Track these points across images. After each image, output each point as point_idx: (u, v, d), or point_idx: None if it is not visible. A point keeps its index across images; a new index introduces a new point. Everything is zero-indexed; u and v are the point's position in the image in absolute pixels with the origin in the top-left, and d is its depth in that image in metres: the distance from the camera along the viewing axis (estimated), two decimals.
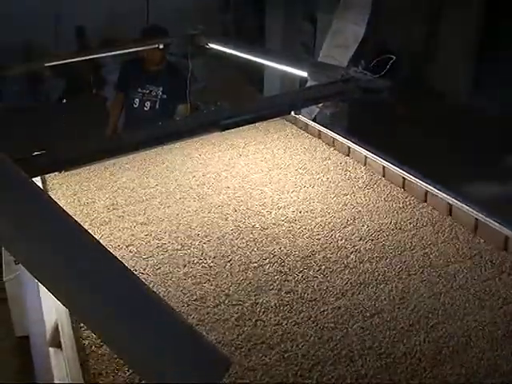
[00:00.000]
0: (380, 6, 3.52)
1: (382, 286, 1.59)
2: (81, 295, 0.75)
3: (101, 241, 0.81)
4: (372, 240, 1.81)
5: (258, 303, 1.54)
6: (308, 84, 2.33)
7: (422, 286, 1.59)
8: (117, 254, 1.74)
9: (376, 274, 1.65)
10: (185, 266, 1.71)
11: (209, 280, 1.64)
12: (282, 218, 1.95)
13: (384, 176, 2.20)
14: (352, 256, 1.73)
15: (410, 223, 1.90)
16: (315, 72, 1.87)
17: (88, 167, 2.31)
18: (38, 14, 4.94)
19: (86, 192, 2.16)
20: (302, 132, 2.69)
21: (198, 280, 1.64)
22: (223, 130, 1.61)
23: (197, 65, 3.17)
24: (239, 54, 2.30)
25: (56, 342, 1.45)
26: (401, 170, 2.15)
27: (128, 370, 1.32)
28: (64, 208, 0.85)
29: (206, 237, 1.86)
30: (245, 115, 1.58)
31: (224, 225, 1.92)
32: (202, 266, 1.70)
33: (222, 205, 2.05)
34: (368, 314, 1.49)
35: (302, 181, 2.21)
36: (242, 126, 1.68)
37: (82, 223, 0.83)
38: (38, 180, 2.06)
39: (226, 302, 1.55)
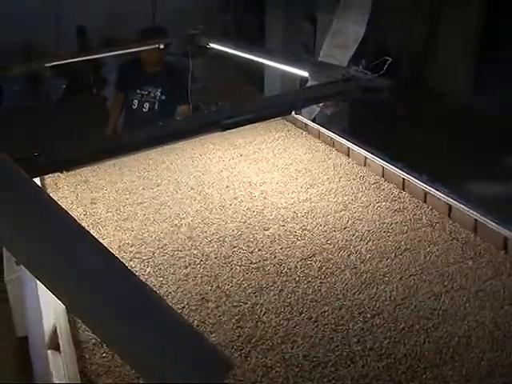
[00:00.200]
0: (380, 5, 3.53)
1: (382, 287, 1.59)
2: (81, 295, 0.75)
3: (101, 241, 0.81)
4: (372, 240, 1.81)
5: (258, 304, 1.54)
6: (308, 84, 2.33)
7: (423, 286, 1.59)
8: (117, 254, 1.73)
9: (376, 274, 1.65)
10: (185, 266, 1.71)
11: (209, 281, 1.64)
12: (283, 219, 1.95)
13: (384, 176, 2.20)
14: (352, 257, 1.73)
15: (410, 224, 1.90)
16: (316, 72, 1.87)
17: (88, 168, 2.31)
18: (37, 14, 4.94)
19: (86, 193, 2.16)
20: (302, 132, 2.68)
21: (199, 281, 1.64)
22: (224, 130, 1.61)
23: (197, 65, 3.16)
24: (240, 53, 2.29)
25: (54, 344, 1.44)
26: (400, 171, 2.15)
27: (128, 371, 1.32)
28: (64, 208, 0.84)
29: (207, 237, 1.85)
30: (245, 115, 1.58)
31: (224, 225, 1.92)
32: (203, 267, 1.70)
33: (223, 205, 2.05)
34: (369, 315, 1.49)
35: (302, 181, 2.21)
36: (242, 125, 1.68)
37: (82, 224, 0.82)
38: (37, 180, 2.06)
39: (227, 302, 1.55)
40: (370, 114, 3.90)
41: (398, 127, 4.44)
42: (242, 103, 2.60)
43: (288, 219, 1.94)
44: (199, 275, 1.67)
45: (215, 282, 1.64)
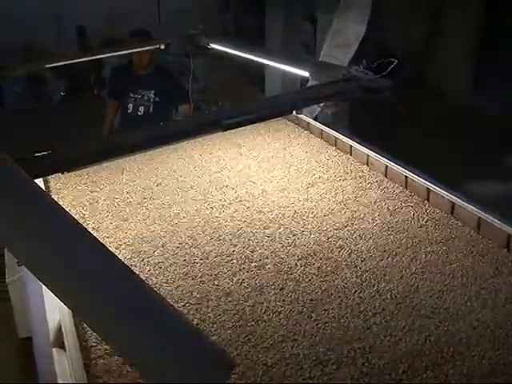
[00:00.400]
0: (380, 5, 3.53)
1: (383, 285, 1.59)
2: (82, 294, 0.76)
3: (101, 241, 0.82)
4: (373, 239, 1.81)
5: (258, 303, 1.54)
6: (309, 84, 2.33)
7: (424, 284, 1.59)
8: (117, 253, 1.74)
9: (377, 273, 1.65)
10: (185, 265, 1.71)
11: (209, 279, 1.64)
12: (284, 217, 1.95)
13: (386, 175, 2.20)
14: (353, 255, 1.73)
15: (412, 222, 1.90)
16: (316, 72, 1.87)
17: (88, 168, 2.31)
18: (38, 14, 4.95)
19: (86, 193, 2.16)
20: (304, 131, 2.69)
21: (199, 280, 1.64)
22: (225, 130, 1.61)
23: (197, 65, 3.17)
24: (240, 54, 2.30)
25: (59, 343, 1.45)
26: (403, 169, 2.15)
27: (132, 370, 1.32)
28: (64, 208, 0.85)
29: (207, 236, 1.86)
30: (246, 115, 1.58)
31: (225, 224, 1.92)
32: (203, 266, 1.70)
33: (223, 204, 2.05)
34: (369, 313, 1.49)
35: (303, 180, 2.21)
36: (243, 126, 1.69)
37: (82, 224, 0.83)
38: (40, 181, 2.06)
39: (227, 301, 1.55)
40: (371, 114, 3.91)
41: (399, 127, 4.44)
42: (242, 103, 2.61)
43: (289, 218, 1.95)
44: (199, 274, 1.67)
45: (215, 280, 1.64)
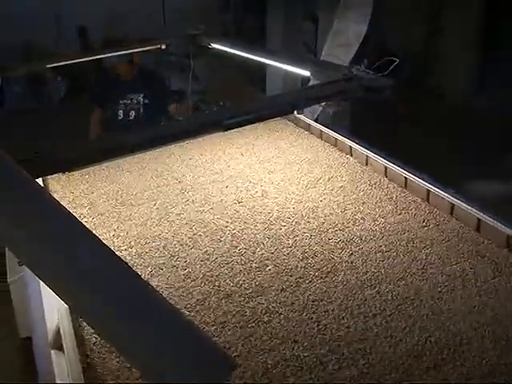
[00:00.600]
0: (381, 5, 3.52)
1: (383, 286, 1.59)
2: (84, 294, 0.75)
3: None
4: (373, 240, 1.81)
5: (259, 304, 1.54)
6: (310, 83, 2.33)
7: (424, 285, 1.59)
8: (118, 254, 1.73)
9: (378, 273, 1.65)
10: (186, 266, 1.71)
11: (210, 281, 1.64)
12: (284, 218, 1.95)
13: (386, 176, 2.20)
14: (354, 256, 1.73)
15: (413, 223, 1.90)
16: (317, 71, 1.87)
17: (89, 169, 2.31)
18: (38, 14, 4.94)
19: (86, 193, 2.16)
20: (304, 132, 2.68)
21: (200, 281, 1.64)
22: (225, 130, 1.61)
23: (198, 65, 3.17)
24: (242, 53, 2.30)
25: (58, 345, 1.45)
26: (403, 170, 2.15)
27: (130, 371, 1.32)
28: (65, 208, 0.85)
29: (208, 237, 1.86)
30: (247, 115, 1.58)
31: (225, 225, 1.92)
32: (204, 267, 1.70)
33: (224, 205, 2.05)
34: (370, 315, 1.49)
35: (303, 181, 2.21)
36: (244, 125, 1.68)
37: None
38: (40, 182, 2.06)
39: (227, 302, 1.55)
40: (372, 114, 3.90)
41: (399, 127, 4.44)
42: (243, 103, 2.60)
43: (289, 219, 1.94)
44: (200, 275, 1.67)
45: (216, 281, 1.64)
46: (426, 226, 1.88)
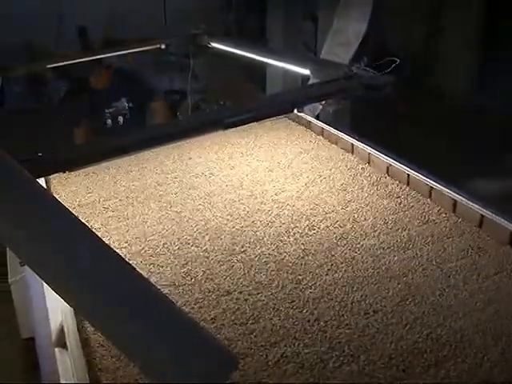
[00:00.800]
0: (380, 4, 3.52)
1: (385, 283, 1.59)
2: (85, 293, 0.75)
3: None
4: (375, 237, 1.81)
5: (259, 301, 1.54)
6: (310, 82, 2.33)
7: (426, 282, 1.59)
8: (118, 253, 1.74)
9: (379, 270, 1.65)
10: (186, 264, 1.71)
11: (210, 278, 1.64)
12: (285, 216, 1.95)
13: (388, 173, 2.20)
14: (355, 253, 1.73)
15: (415, 220, 1.90)
16: (317, 70, 1.87)
17: (89, 169, 2.31)
18: (38, 14, 4.94)
19: (87, 194, 2.16)
20: (305, 130, 2.68)
21: (199, 278, 1.64)
22: (226, 129, 1.61)
23: (198, 64, 3.17)
24: (242, 52, 2.30)
25: (61, 343, 1.45)
26: (405, 167, 2.15)
27: (133, 367, 1.32)
28: (66, 207, 0.85)
29: (208, 235, 1.86)
30: (247, 114, 1.58)
31: (225, 223, 1.92)
32: (204, 265, 1.70)
33: (224, 203, 2.05)
34: (371, 312, 1.49)
35: (305, 179, 2.21)
36: (244, 124, 1.68)
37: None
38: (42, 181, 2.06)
39: (227, 300, 1.55)
40: (373, 112, 3.90)
41: (399, 126, 4.44)
42: (243, 102, 2.60)
43: (290, 216, 1.94)
44: (200, 273, 1.67)
45: (216, 279, 1.64)
46: (427, 223, 1.88)
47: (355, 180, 2.18)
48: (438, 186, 2.01)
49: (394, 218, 1.91)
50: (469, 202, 1.90)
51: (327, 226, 1.88)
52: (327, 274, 1.64)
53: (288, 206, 2.01)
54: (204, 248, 1.79)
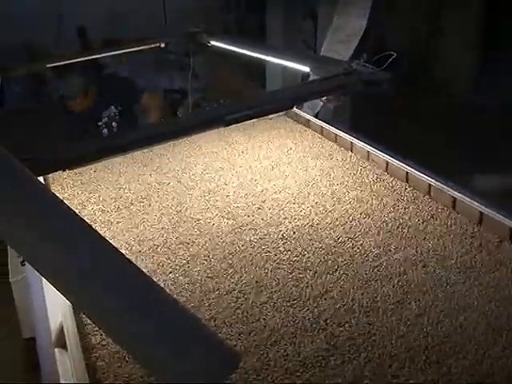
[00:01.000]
0: (380, 3, 3.52)
1: (385, 281, 1.59)
2: (87, 290, 0.75)
3: None
4: (375, 235, 1.81)
5: (260, 300, 1.53)
6: (310, 79, 2.33)
7: (426, 279, 1.59)
8: None
9: (379, 267, 1.64)
10: (187, 263, 1.71)
11: (211, 277, 1.64)
12: (284, 215, 1.94)
13: (387, 170, 2.19)
14: (354, 251, 1.73)
15: (415, 217, 1.89)
16: (317, 67, 1.87)
17: (88, 168, 2.31)
18: (38, 14, 4.94)
19: (86, 193, 2.16)
20: (305, 128, 2.68)
21: (200, 277, 1.64)
22: (226, 126, 1.61)
23: (198, 63, 3.16)
24: (241, 50, 2.29)
25: (61, 343, 1.45)
26: (404, 165, 2.15)
27: (134, 368, 1.32)
28: (67, 205, 0.85)
29: (207, 234, 1.85)
30: (247, 110, 1.58)
31: (225, 222, 1.92)
32: (204, 264, 1.70)
33: (224, 202, 2.04)
34: (371, 309, 1.48)
35: (304, 177, 2.20)
36: (244, 121, 1.68)
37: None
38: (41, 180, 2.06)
39: (228, 299, 1.55)
40: (372, 109, 3.90)
41: (398, 123, 4.43)
42: (244, 99, 2.60)
43: (289, 215, 1.94)
44: (201, 271, 1.66)
45: (216, 278, 1.63)
46: (427, 220, 1.87)
47: (355, 178, 2.17)
48: (437, 183, 2.00)
49: (394, 215, 1.91)
50: (468, 199, 1.89)
51: (327, 224, 1.88)
52: (328, 272, 1.64)
53: (288, 205, 2.01)
54: (204, 247, 1.79)
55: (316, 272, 1.64)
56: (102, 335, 1.43)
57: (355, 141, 2.39)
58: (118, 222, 1.95)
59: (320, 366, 1.32)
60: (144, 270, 1.65)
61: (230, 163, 2.35)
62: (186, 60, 3.08)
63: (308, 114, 2.78)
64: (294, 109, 2.73)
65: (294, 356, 1.35)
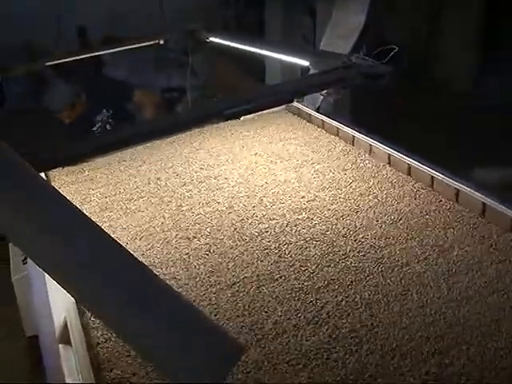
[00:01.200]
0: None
1: (387, 273, 1.58)
2: (90, 284, 0.75)
3: None
4: (378, 228, 1.80)
5: (261, 293, 1.53)
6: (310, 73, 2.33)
7: (428, 271, 1.58)
8: None
9: (381, 260, 1.64)
10: (187, 258, 1.70)
11: (212, 272, 1.64)
12: (286, 209, 1.94)
13: (389, 163, 2.19)
14: (357, 244, 1.72)
15: (417, 209, 1.89)
16: (317, 61, 1.86)
17: (87, 165, 2.31)
18: (38, 14, 4.94)
19: (86, 190, 2.15)
20: (306, 122, 2.67)
21: (201, 272, 1.64)
22: (226, 120, 1.60)
23: (197, 60, 3.16)
24: (241, 46, 2.29)
25: (65, 339, 1.45)
26: (406, 157, 2.14)
27: (138, 362, 1.32)
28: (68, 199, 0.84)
29: (208, 229, 1.85)
30: (247, 104, 1.58)
31: (227, 216, 1.92)
32: (205, 259, 1.70)
33: (225, 197, 2.04)
34: (373, 301, 1.48)
35: (306, 172, 2.20)
36: (245, 115, 1.68)
37: None
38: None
39: (229, 293, 1.54)
40: (373, 102, 3.89)
41: (399, 117, 4.42)
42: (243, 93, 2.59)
43: (290, 209, 1.93)
44: (201, 267, 1.66)
45: (218, 272, 1.63)
46: (430, 213, 1.86)
47: (356, 171, 2.17)
48: (440, 175, 2.00)
49: (396, 207, 1.91)
50: (471, 191, 1.89)
51: (329, 218, 1.87)
52: (329, 265, 1.64)
53: (289, 198, 2.00)
54: (205, 241, 1.78)
55: (318, 265, 1.64)
56: (104, 330, 1.43)
57: (357, 134, 2.38)
58: (117, 218, 1.94)
59: (322, 358, 1.31)
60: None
61: (230, 158, 2.35)
62: (184, 58, 3.08)
63: (309, 108, 2.77)
64: (295, 103, 2.72)
65: (296, 348, 1.35)
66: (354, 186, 2.06)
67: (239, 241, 1.78)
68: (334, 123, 2.52)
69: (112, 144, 1.51)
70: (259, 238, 1.78)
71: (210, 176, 2.21)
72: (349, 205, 1.94)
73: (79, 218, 0.83)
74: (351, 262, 1.64)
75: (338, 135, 2.48)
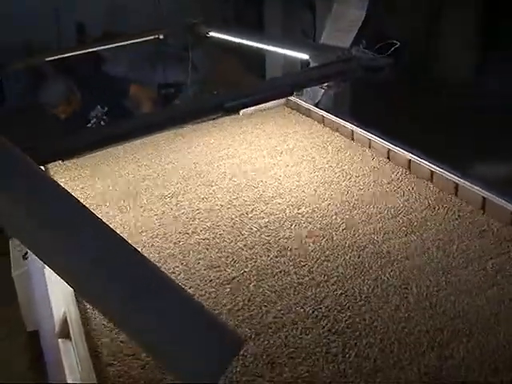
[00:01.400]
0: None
1: (387, 267, 1.58)
2: (91, 278, 0.75)
3: None
4: (377, 222, 1.80)
5: (261, 288, 1.53)
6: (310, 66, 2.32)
7: (428, 265, 1.58)
8: None
9: (381, 254, 1.64)
10: (187, 253, 1.70)
11: (212, 266, 1.63)
12: (286, 204, 1.94)
13: (389, 158, 2.18)
14: (357, 238, 1.72)
15: (416, 203, 1.88)
16: (316, 54, 1.86)
17: (86, 159, 2.31)
18: (38, 13, 4.94)
19: (85, 185, 2.15)
20: (305, 118, 2.66)
21: (200, 267, 1.64)
22: (227, 113, 1.60)
23: (196, 54, 3.16)
24: (240, 40, 2.28)
25: (65, 333, 1.45)
26: (406, 152, 2.14)
27: (139, 357, 1.32)
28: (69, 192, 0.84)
29: (207, 224, 1.85)
30: (247, 97, 1.57)
31: (226, 211, 1.91)
32: (205, 254, 1.70)
33: (224, 192, 2.04)
34: (373, 295, 1.48)
35: (305, 166, 2.20)
36: (245, 108, 1.67)
37: None
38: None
39: (227, 288, 1.54)
40: (373, 97, 3.89)
41: (400, 112, 4.43)
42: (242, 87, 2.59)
43: (291, 204, 1.93)
44: (200, 262, 1.66)
45: (217, 266, 1.63)
46: (430, 207, 1.86)
47: (356, 166, 2.16)
48: (439, 169, 1.99)
49: (396, 202, 1.90)
50: (470, 185, 1.88)
51: (328, 212, 1.87)
52: (329, 260, 1.63)
53: (289, 194, 2.00)
54: (205, 236, 1.78)
55: (317, 259, 1.63)
56: (105, 321, 1.43)
57: (356, 129, 2.38)
58: (117, 214, 1.94)
59: (322, 352, 1.31)
60: None
61: (229, 153, 2.34)
62: (184, 52, 3.08)
63: (308, 103, 2.76)
64: (295, 99, 2.71)
65: (295, 342, 1.34)
66: (353, 181, 2.06)
67: (238, 236, 1.77)
68: (334, 118, 2.51)
69: (111, 137, 1.51)
70: (259, 233, 1.78)
71: (209, 171, 2.20)
72: (348, 199, 1.94)
73: (82, 212, 0.82)
74: (350, 257, 1.64)
75: (337, 130, 2.47)
